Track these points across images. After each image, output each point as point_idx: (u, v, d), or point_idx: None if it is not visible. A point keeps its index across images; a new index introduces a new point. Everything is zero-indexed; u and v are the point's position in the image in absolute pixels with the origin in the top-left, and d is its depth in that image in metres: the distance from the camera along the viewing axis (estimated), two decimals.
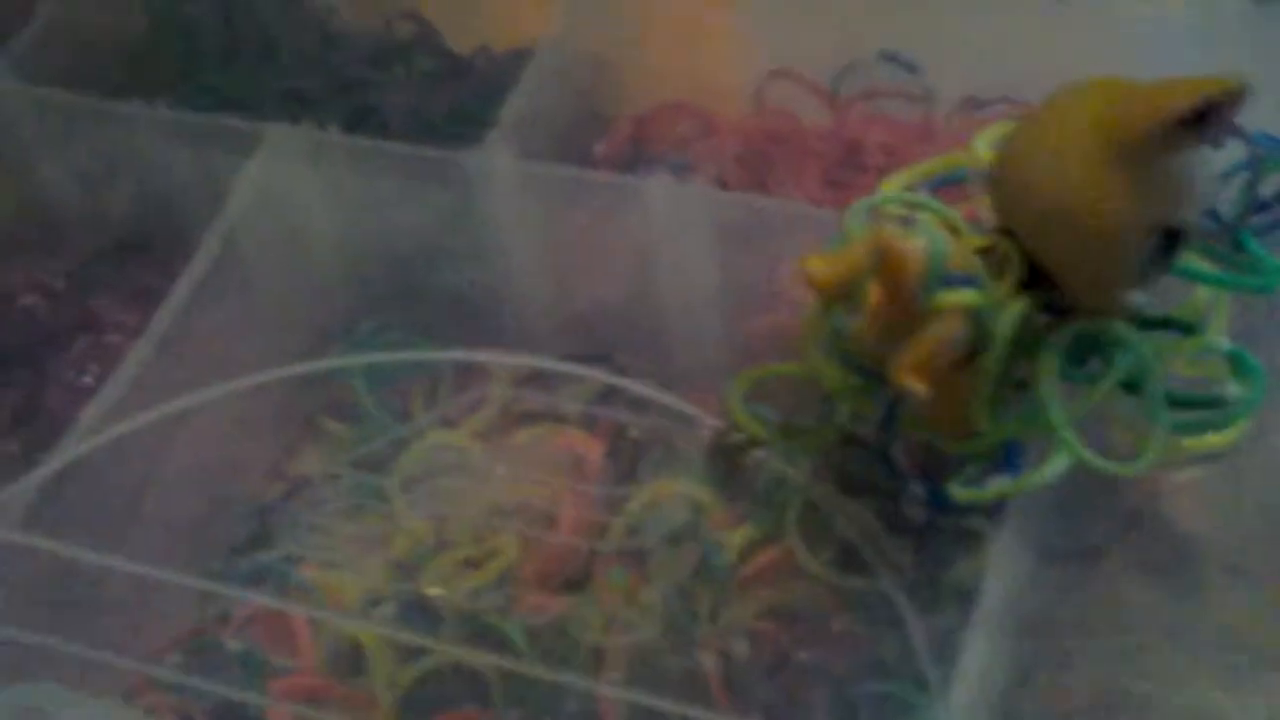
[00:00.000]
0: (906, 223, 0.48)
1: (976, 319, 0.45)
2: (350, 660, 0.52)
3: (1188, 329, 0.49)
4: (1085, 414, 0.46)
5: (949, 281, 0.45)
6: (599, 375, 0.55)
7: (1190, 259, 0.49)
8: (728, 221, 0.56)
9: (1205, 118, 0.42)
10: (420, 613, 0.52)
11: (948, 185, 0.54)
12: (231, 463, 0.60)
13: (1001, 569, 0.46)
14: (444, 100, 0.67)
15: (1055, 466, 0.45)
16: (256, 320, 0.60)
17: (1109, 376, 0.46)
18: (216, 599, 0.54)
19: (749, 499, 0.52)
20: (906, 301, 0.45)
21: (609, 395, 0.56)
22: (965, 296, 0.45)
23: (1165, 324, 0.49)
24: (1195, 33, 0.61)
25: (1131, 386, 0.47)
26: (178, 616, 0.54)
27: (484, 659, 0.47)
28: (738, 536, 0.51)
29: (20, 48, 0.67)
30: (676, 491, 0.53)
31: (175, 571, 0.52)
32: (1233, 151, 0.50)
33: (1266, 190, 0.50)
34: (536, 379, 0.58)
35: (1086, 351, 0.47)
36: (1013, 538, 0.47)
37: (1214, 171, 0.46)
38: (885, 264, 0.45)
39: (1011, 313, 0.45)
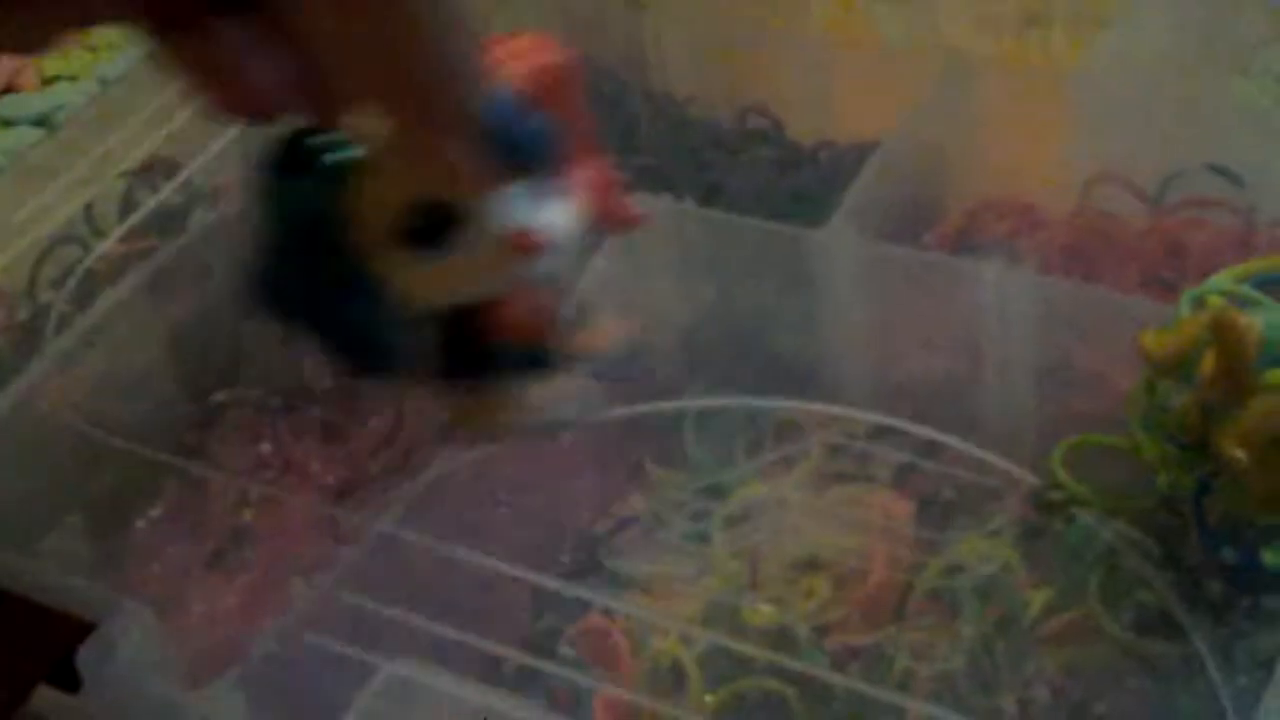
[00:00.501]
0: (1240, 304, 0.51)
1: None
2: (667, 679, 0.57)
3: None
4: None
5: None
6: (916, 432, 0.59)
7: None
8: (1052, 306, 0.60)
9: None
10: (735, 639, 0.56)
11: (1271, 285, 0.57)
12: (568, 497, 0.65)
13: None
14: (786, 185, 0.72)
15: None
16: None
17: None
18: (549, 614, 0.59)
19: (1057, 560, 0.55)
20: (1239, 375, 0.48)
21: (922, 458, 0.60)
22: None
23: None
24: None
25: None
26: (513, 625, 0.60)
27: (799, 669, 0.51)
28: (1041, 595, 0.54)
29: None
30: (986, 548, 0.56)
31: (515, 582, 0.58)
32: None
33: None
34: (852, 440, 0.62)
35: None
36: None
37: None
38: (1223, 337, 0.48)
39: None
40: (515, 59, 0.45)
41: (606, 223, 0.48)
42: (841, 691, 0.52)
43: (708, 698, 0.55)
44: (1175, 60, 0.77)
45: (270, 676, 0.52)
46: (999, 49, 0.82)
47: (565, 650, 0.58)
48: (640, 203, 0.65)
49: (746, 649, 0.54)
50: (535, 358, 0.51)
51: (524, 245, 0.46)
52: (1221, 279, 0.57)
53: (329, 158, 0.43)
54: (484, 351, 0.50)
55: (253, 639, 0.54)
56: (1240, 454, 0.46)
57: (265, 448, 0.67)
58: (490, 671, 0.56)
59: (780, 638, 0.55)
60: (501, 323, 0.48)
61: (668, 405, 0.64)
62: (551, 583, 0.61)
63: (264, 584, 0.61)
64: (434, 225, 0.44)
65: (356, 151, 0.43)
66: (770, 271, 0.65)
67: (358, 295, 0.45)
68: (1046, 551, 0.55)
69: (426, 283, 0.45)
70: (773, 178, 0.72)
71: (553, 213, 0.47)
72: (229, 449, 0.68)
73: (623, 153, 0.75)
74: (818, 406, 0.63)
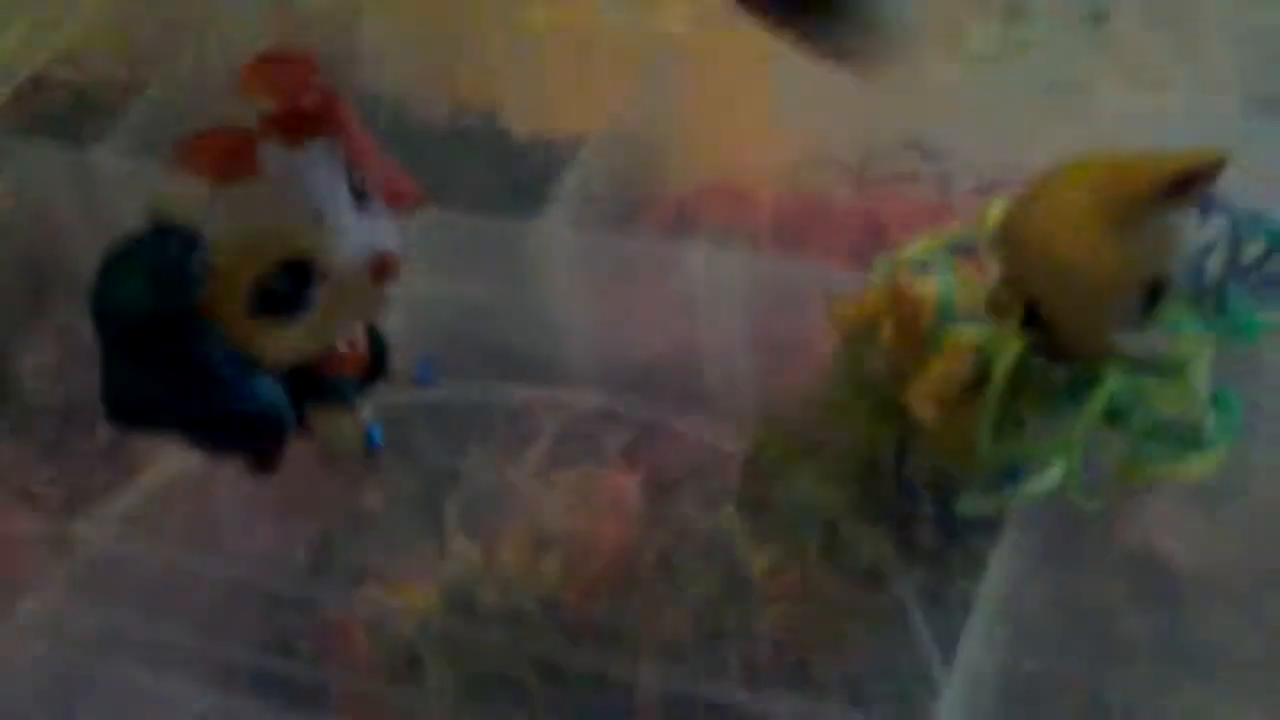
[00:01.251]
0: (924, 270, 0.54)
1: (980, 356, 0.50)
2: (406, 668, 0.57)
3: (1174, 371, 0.54)
4: (1074, 444, 0.51)
5: (958, 321, 0.50)
6: (643, 411, 0.61)
7: (1178, 312, 0.54)
8: (760, 283, 0.62)
9: (1189, 184, 0.48)
10: (470, 623, 0.57)
11: (960, 253, 0.60)
12: (302, 496, 0.65)
13: (999, 585, 0.51)
14: (503, 180, 0.73)
15: (1044, 482, 0.50)
16: None
17: (1091, 408, 0.51)
18: (286, 614, 0.59)
19: (777, 523, 0.57)
20: (919, 338, 0.50)
21: (647, 437, 0.62)
22: (970, 334, 0.50)
23: (1154, 367, 0.55)
24: (1188, 133, 0.67)
25: (1116, 419, 0.53)
26: (249, 628, 0.59)
27: (535, 648, 0.52)
28: (763, 557, 0.56)
29: (132, 123, 0.73)
30: (710, 517, 0.58)
31: (249, 589, 0.58)
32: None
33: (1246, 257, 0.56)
34: (580, 423, 0.63)
35: (1078, 389, 0.52)
36: (1010, 558, 0.51)
37: (1196, 234, 0.52)
38: (898, 303, 0.50)
39: (1010, 351, 0.51)
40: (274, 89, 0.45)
41: (394, 201, 0.48)
42: (577, 666, 0.53)
43: (449, 682, 0.56)
44: None
45: None
46: (711, 39, 0.84)
47: (303, 647, 0.58)
48: None
49: (482, 633, 0.55)
50: (357, 383, 0.52)
51: (385, 272, 0.46)
52: (915, 248, 0.59)
53: (164, 258, 0.43)
54: (327, 385, 0.50)
55: None
56: (926, 411, 0.49)
57: None
58: (228, 677, 0.56)
59: (515, 619, 0.56)
60: (330, 357, 0.48)
61: (399, 399, 0.65)
62: (286, 583, 0.61)
63: None
64: (287, 291, 0.44)
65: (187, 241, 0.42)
66: (490, 265, 0.66)
67: (224, 379, 0.44)
68: (767, 516, 0.57)
69: (295, 341, 0.45)
70: (489, 174, 0.73)
71: (385, 230, 0.48)
72: None
73: None
74: (545, 393, 0.64)
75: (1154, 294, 0.50)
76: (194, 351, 0.43)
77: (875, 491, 0.55)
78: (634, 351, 0.64)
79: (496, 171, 0.74)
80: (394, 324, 0.67)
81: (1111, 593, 0.53)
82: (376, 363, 0.53)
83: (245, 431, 0.47)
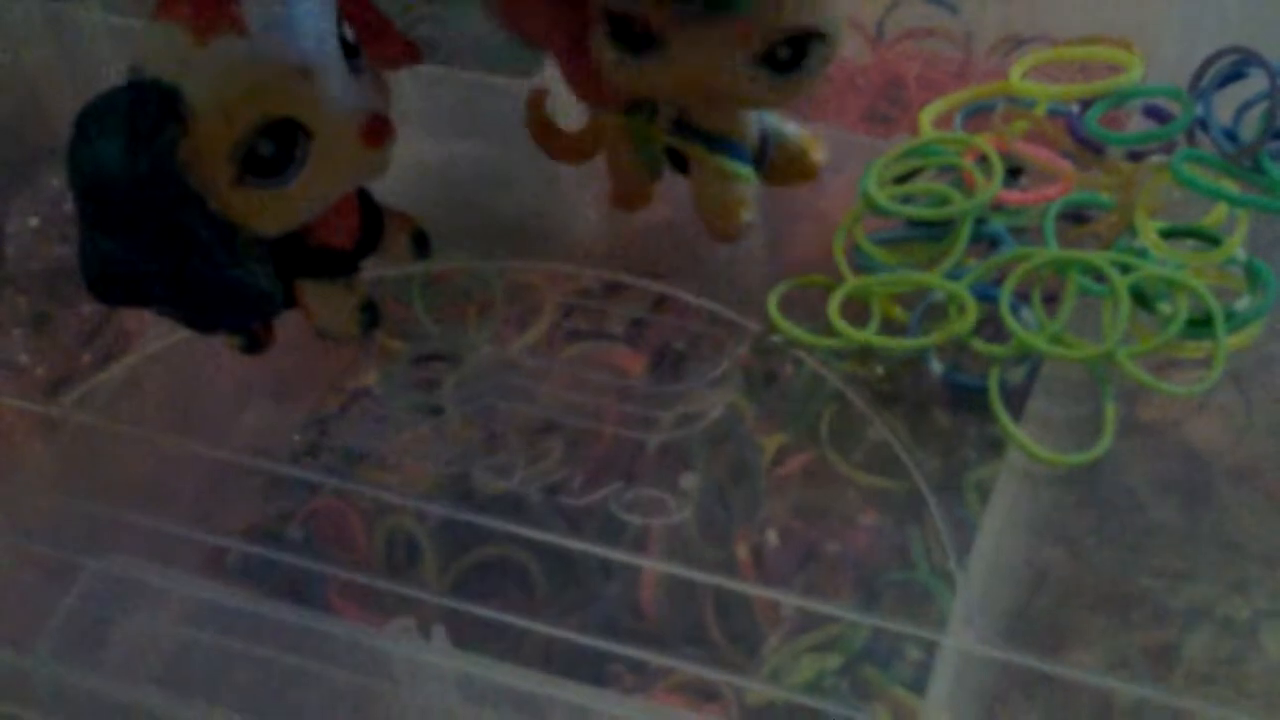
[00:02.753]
0: None
1: None
2: (402, 555, 0.55)
3: (1210, 240, 0.52)
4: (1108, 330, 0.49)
5: None
6: (647, 286, 0.58)
7: (1214, 178, 0.52)
8: None
9: None
10: (468, 508, 0.55)
11: (981, 113, 0.58)
12: (293, 377, 0.63)
13: (1018, 469, 0.49)
14: (500, 35, 0.70)
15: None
16: None
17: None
18: (279, 497, 0.57)
19: (785, 404, 0.55)
20: None
21: (654, 311, 0.59)
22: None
23: (1189, 234, 0.52)
24: None
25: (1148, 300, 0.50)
26: (243, 513, 0.58)
27: (534, 537, 0.50)
28: (773, 440, 0.54)
29: None
30: (716, 397, 0.55)
31: (241, 467, 0.56)
32: (1257, 81, 0.52)
33: None
34: (584, 297, 0.61)
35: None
36: (1030, 442, 0.49)
37: None
38: None
39: None
40: None
41: (386, 58, 0.46)
42: (578, 554, 0.51)
43: (447, 568, 0.54)
44: None
45: None
46: None
47: (295, 534, 0.56)
48: None
49: (480, 518, 0.53)
50: (348, 258, 0.49)
51: (379, 134, 0.44)
52: (930, 113, 0.57)
53: (143, 115, 0.40)
54: (317, 258, 0.47)
55: None
56: None
57: None
58: (216, 563, 0.54)
59: (515, 503, 0.54)
60: (320, 227, 0.46)
61: (393, 272, 0.62)
62: (280, 465, 0.59)
63: None
64: (274, 155, 0.41)
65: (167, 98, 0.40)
66: (488, 127, 0.63)
67: (208, 246, 0.42)
68: (777, 397, 0.55)
69: (282, 208, 0.43)
70: (486, 29, 0.70)
71: (377, 89, 0.45)
72: None
73: None
74: (547, 265, 0.62)
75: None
76: (175, 217, 0.41)
77: (892, 371, 0.53)
78: (640, 221, 0.62)
79: (496, 27, 0.71)
80: (389, 189, 0.65)
81: (1137, 479, 0.51)
82: (370, 233, 0.51)
83: (231, 305, 0.45)
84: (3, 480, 0.56)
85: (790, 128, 0.54)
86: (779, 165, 0.54)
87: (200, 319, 0.47)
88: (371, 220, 0.51)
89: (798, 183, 0.55)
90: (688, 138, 0.52)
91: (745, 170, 0.52)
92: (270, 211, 0.43)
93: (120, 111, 0.40)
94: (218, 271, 0.43)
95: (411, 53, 0.47)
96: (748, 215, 0.53)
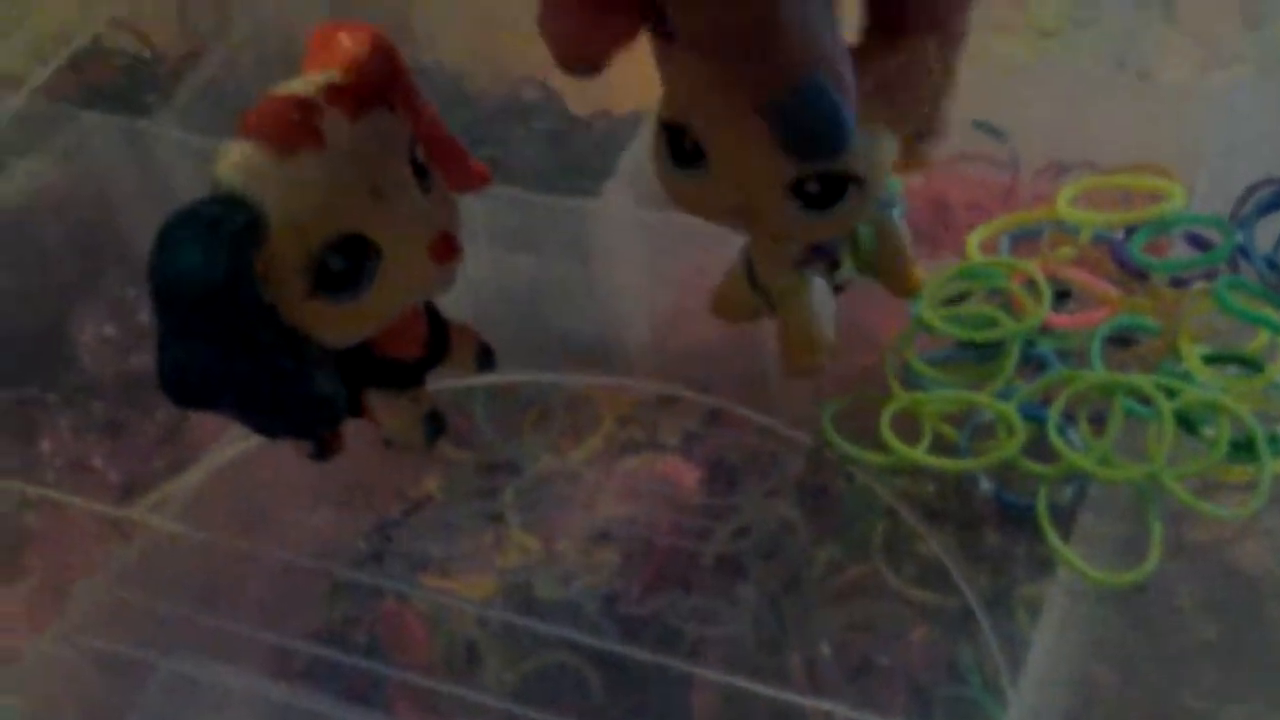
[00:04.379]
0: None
1: None
2: (463, 660, 0.57)
3: (1253, 365, 0.53)
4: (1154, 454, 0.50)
5: None
6: (701, 400, 0.60)
7: (1256, 305, 0.53)
8: None
9: None
10: (528, 615, 0.57)
11: (1030, 238, 0.59)
12: (359, 484, 0.65)
13: (1068, 588, 0.50)
14: (562, 156, 0.72)
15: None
16: None
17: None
18: (344, 601, 0.59)
19: (838, 518, 0.56)
20: None
21: (708, 425, 0.61)
22: None
23: (1232, 360, 0.54)
24: (1256, 110, 0.65)
25: (1192, 425, 0.52)
26: (309, 616, 0.59)
27: (594, 646, 0.51)
28: (825, 553, 0.55)
29: (187, 92, 0.73)
30: (770, 510, 0.57)
31: (308, 572, 0.58)
32: None
33: None
34: (640, 411, 0.63)
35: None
36: (1080, 560, 0.50)
37: None
38: None
39: None
40: (335, 56, 0.44)
41: (459, 185, 0.47)
42: (633, 662, 0.52)
43: (505, 674, 0.56)
44: None
45: (47, 681, 0.51)
46: None
47: (360, 638, 0.57)
48: None
49: (539, 625, 0.55)
50: (415, 369, 0.51)
51: (447, 252, 0.45)
52: (980, 232, 0.59)
53: (223, 227, 0.42)
54: (384, 369, 0.49)
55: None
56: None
57: (45, 446, 0.66)
58: (282, 665, 0.56)
59: (574, 612, 0.56)
60: (387, 338, 0.48)
61: (456, 384, 0.64)
62: (345, 570, 0.60)
63: (46, 587, 0.60)
64: (345, 270, 0.43)
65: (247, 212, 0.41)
66: (548, 243, 0.65)
67: (278, 355, 0.43)
68: (829, 510, 0.57)
69: (351, 321, 0.44)
70: (548, 149, 0.72)
71: (447, 209, 0.47)
72: (5, 449, 0.67)
73: None
74: (604, 379, 0.64)
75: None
76: (248, 326, 0.43)
77: (942, 488, 0.54)
78: (695, 335, 0.64)
79: (555, 147, 0.73)
80: (452, 302, 0.67)
81: (1184, 598, 0.52)
82: (435, 346, 0.52)
83: (298, 412, 0.46)
84: (77, 581, 0.58)
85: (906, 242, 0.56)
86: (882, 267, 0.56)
87: (269, 424, 0.48)
88: (437, 333, 0.52)
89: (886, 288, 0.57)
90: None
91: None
92: (338, 324, 0.44)
93: (202, 223, 0.42)
94: (286, 379, 0.44)
95: (483, 176, 0.49)
96: (824, 359, 0.54)
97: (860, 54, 0.46)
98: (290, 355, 0.44)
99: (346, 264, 0.43)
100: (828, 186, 0.48)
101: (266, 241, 0.41)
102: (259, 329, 0.42)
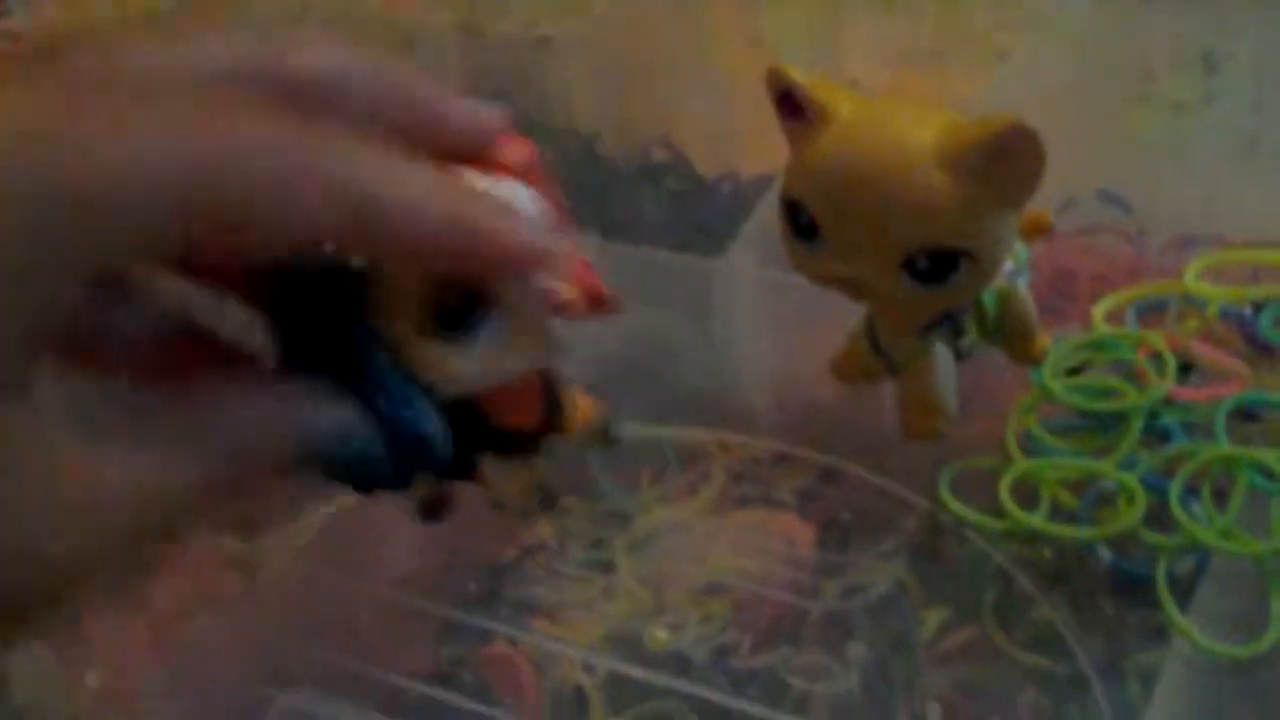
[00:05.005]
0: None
1: None
2: (570, 706, 0.57)
3: None
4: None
5: None
6: (815, 458, 0.60)
7: None
8: None
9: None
10: (637, 664, 0.57)
11: (1152, 310, 0.59)
12: (474, 527, 0.65)
13: (1183, 658, 0.50)
14: (689, 217, 0.73)
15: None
16: None
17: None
18: (454, 643, 0.60)
19: (950, 581, 0.56)
20: None
21: (823, 483, 0.61)
22: None
23: None
24: None
25: None
26: (420, 656, 0.60)
27: (701, 695, 0.52)
28: (936, 615, 0.55)
29: None
30: (881, 570, 0.57)
31: (421, 612, 0.59)
32: None
33: None
34: (755, 465, 0.63)
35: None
36: (1196, 631, 0.50)
37: None
38: None
39: None
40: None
41: (593, 308, 0.47)
42: (740, 715, 0.52)
43: None
44: (1073, 91, 0.79)
45: (166, 713, 0.52)
46: (900, 82, 0.83)
47: (469, 679, 0.58)
48: None
49: (647, 674, 0.55)
50: (529, 438, 0.52)
51: (565, 306, 0.46)
52: (1105, 304, 0.58)
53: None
54: (498, 437, 0.49)
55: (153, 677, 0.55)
56: None
57: None
58: (393, 702, 0.57)
59: (681, 662, 0.56)
60: (502, 404, 0.48)
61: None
62: (456, 612, 0.61)
63: (165, 621, 0.61)
64: (462, 309, 0.44)
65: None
66: (673, 301, 0.66)
67: (397, 399, 0.44)
68: (940, 572, 0.56)
69: (465, 366, 0.45)
70: (676, 210, 0.73)
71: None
72: None
73: None
74: (721, 434, 0.64)
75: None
76: (364, 357, 0.43)
77: (1060, 554, 0.54)
78: (813, 394, 0.64)
79: (684, 209, 0.74)
80: (575, 357, 0.68)
81: None
82: (551, 416, 0.53)
83: (404, 454, 0.46)
84: (193, 618, 0.59)
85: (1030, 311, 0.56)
86: (1006, 335, 0.56)
87: (371, 469, 0.48)
88: (554, 403, 0.52)
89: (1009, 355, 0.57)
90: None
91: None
92: (453, 369, 0.45)
93: (311, 287, 0.42)
94: (393, 409, 0.45)
95: (616, 304, 0.49)
96: (945, 425, 0.55)
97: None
98: (398, 385, 0.44)
99: (466, 305, 0.43)
100: (938, 263, 0.49)
101: (379, 277, 0.42)
102: (371, 362, 0.43)
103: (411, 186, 0.34)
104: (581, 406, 0.53)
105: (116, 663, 0.60)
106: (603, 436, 0.53)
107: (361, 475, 0.48)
